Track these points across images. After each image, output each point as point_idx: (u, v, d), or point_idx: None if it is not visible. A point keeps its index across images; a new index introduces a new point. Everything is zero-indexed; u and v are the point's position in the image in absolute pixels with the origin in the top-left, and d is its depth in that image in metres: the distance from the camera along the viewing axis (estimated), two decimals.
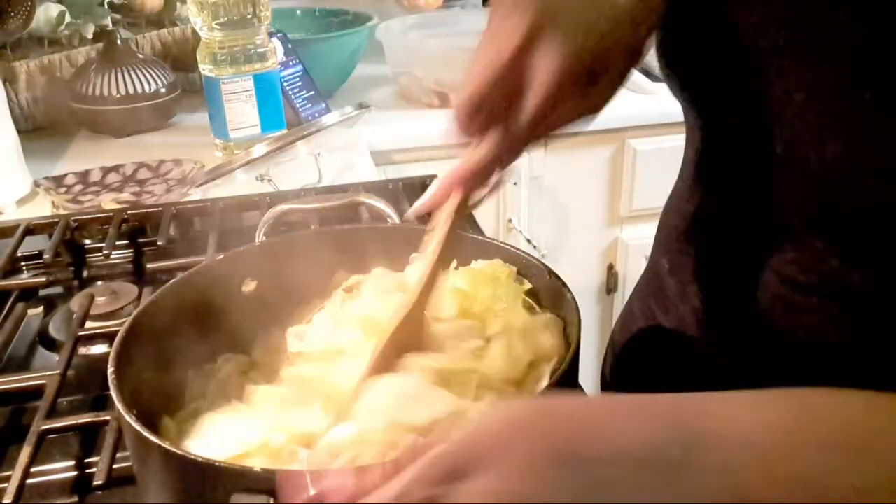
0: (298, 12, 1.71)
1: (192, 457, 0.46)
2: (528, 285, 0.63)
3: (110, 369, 0.52)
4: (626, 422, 0.36)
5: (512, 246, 0.66)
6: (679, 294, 0.60)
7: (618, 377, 0.71)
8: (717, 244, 0.56)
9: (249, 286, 0.66)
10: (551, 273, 0.61)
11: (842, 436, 0.36)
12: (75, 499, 0.63)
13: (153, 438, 0.46)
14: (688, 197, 0.60)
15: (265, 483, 0.43)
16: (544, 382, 0.54)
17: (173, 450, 0.46)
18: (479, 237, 0.72)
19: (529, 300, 0.63)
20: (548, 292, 0.62)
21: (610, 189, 1.69)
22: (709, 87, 0.54)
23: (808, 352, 0.50)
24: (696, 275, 0.58)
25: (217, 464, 0.45)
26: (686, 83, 0.56)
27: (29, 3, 1.39)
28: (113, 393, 0.50)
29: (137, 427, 0.47)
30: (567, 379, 0.51)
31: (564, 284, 0.60)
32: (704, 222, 0.58)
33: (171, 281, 0.62)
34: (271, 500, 0.42)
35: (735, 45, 0.49)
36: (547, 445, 0.34)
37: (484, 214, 1.35)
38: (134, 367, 0.54)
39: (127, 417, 0.48)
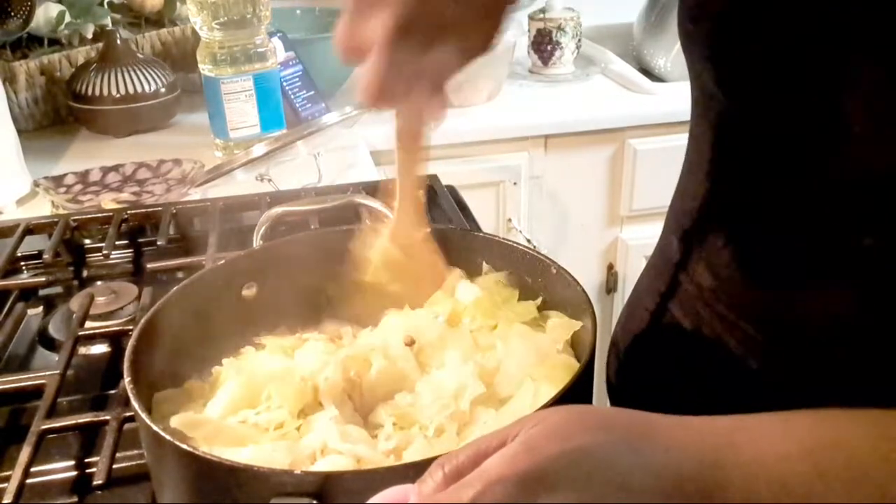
0: (298, 12, 1.71)
1: (230, 462, 0.46)
2: (531, 305, 0.64)
3: (127, 380, 0.52)
4: (663, 454, 0.39)
5: (517, 243, 0.67)
6: (688, 278, 0.60)
7: (622, 378, 0.71)
8: (727, 230, 0.56)
9: (250, 290, 0.66)
10: (562, 271, 0.62)
11: (858, 471, 0.39)
12: (75, 499, 0.63)
13: (186, 447, 0.46)
14: (699, 182, 0.60)
15: (306, 485, 0.43)
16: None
17: (210, 456, 0.46)
18: (488, 235, 0.72)
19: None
20: (558, 295, 0.62)
21: (610, 189, 1.68)
22: (744, 66, 0.53)
23: (819, 340, 0.50)
24: (707, 256, 0.58)
25: (256, 468, 0.45)
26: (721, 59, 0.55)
27: (29, 3, 1.39)
28: (135, 404, 0.50)
29: (166, 436, 0.47)
30: (582, 382, 0.52)
31: (579, 285, 0.60)
32: (715, 208, 0.58)
33: (174, 289, 0.62)
34: (314, 502, 0.42)
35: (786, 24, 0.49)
36: (607, 475, 0.38)
37: (484, 214, 1.35)
38: (143, 376, 0.54)
39: (154, 427, 0.48)
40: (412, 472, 0.40)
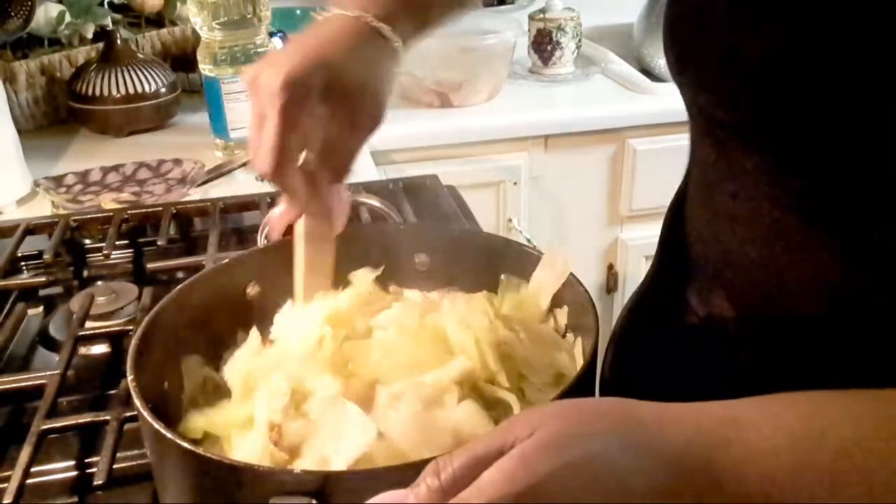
0: (298, 12, 1.71)
1: (230, 461, 0.46)
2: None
3: (130, 377, 0.52)
4: (657, 458, 0.39)
5: (520, 243, 0.66)
6: (685, 284, 0.60)
7: (616, 373, 0.71)
8: (713, 235, 0.56)
9: (254, 289, 0.66)
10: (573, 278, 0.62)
11: (846, 462, 0.39)
12: (75, 499, 0.63)
13: (187, 445, 0.46)
14: (696, 189, 0.60)
15: (306, 485, 0.43)
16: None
17: (209, 455, 0.46)
18: (493, 234, 0.72)
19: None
20: (559, 295, 0.62)
21: (610, 189, 1.68)
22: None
23: (819, 341, 0.50)
24: (700, 267, 0.58)
25: (256, 467, 0.45)
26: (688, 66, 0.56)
27: (29, 3, 1.39)
28: (137, 402, 0.50)
29: (169, 434, 0.47)
30: (584, 382, 0.52)
31: (581, 284, 0.60)
32: (702, 216, 0.58)
33: (179, 286, 0.62)
34: (313, 502, 0.42)
35: None
36: (606, 485, 0.38)
37: (484, 214, 1.35)
38: (146, 375, 0.54)
39: (156, 426, 0.48)
40: (412, 471, 0.40)
